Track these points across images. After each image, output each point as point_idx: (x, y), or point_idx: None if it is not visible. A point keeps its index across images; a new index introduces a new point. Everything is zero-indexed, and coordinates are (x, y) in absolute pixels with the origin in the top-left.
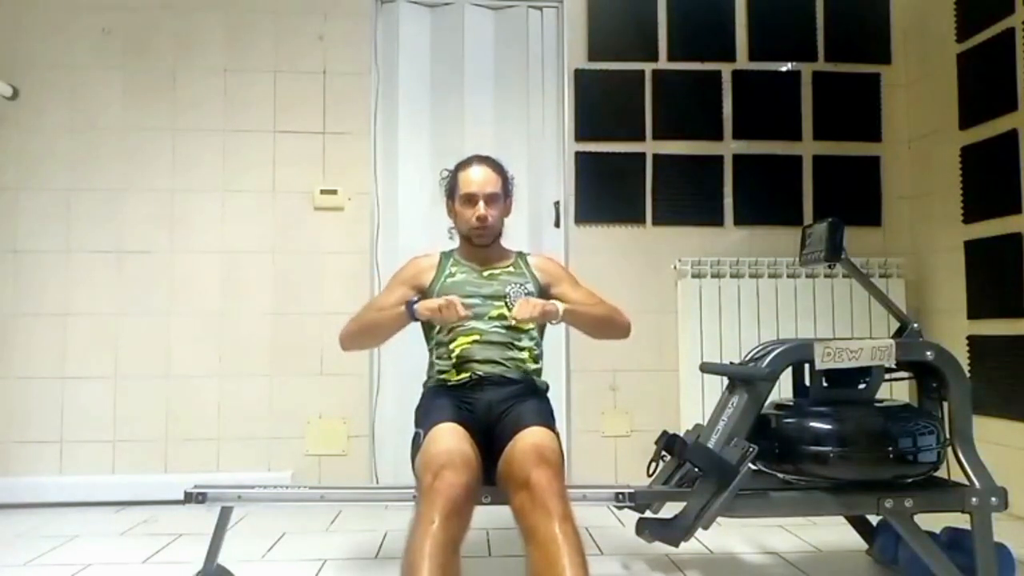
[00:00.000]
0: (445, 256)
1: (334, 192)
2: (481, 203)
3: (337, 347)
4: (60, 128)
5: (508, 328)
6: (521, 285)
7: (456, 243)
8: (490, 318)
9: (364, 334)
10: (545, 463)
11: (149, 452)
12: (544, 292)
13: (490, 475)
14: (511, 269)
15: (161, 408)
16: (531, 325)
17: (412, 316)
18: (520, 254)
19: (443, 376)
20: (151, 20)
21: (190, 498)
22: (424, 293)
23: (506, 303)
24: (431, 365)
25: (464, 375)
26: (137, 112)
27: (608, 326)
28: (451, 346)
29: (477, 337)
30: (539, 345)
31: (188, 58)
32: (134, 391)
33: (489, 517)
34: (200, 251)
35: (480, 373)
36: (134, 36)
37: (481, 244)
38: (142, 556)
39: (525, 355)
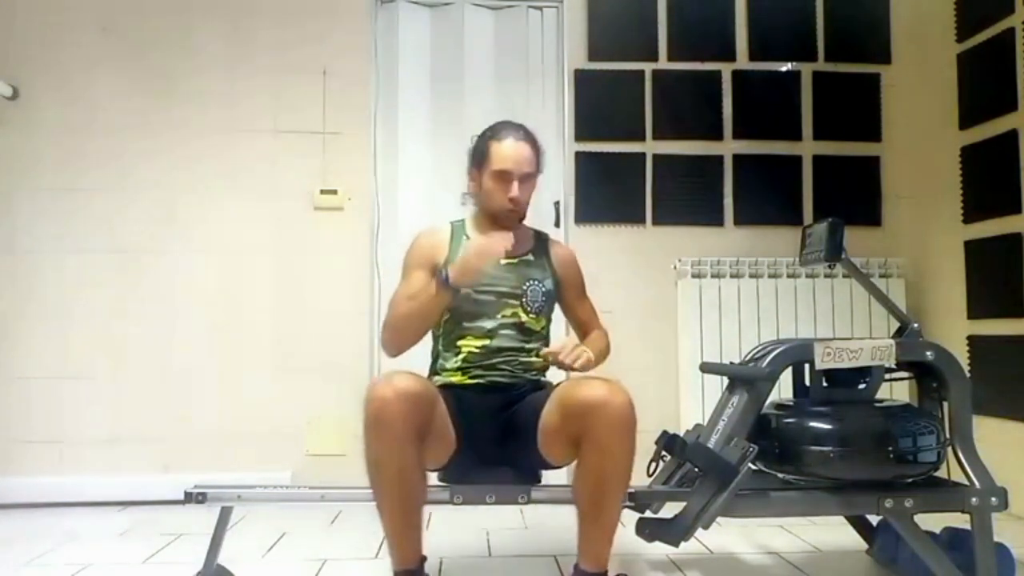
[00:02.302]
0: (457, 230)
1: (334, 192)
2: (515, 183)
3: (337, 347)
4: (60, 128)
5: (519, 329)
6: (539, 282)
7: (466, 213)
8: (502, 316)
9: (406, 329)
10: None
11: (149, 452)
12: (558, 288)
13: (504, 467)
14: (530, 258)
15: (161, 408)
16: (543, 323)
17: (453, 289)
18: (540, 237)
19: (449, 375)
20: (151, 20)
21: (190, 498)
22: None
23: (522, 303)
24: (436, 358)
25: (471, 380)
26: (137, 112)
27: (602, 359)
28: (459, 344)
29: (487, 341)
30: (547, 345)
31: (188, 58)
32: (134, 391)
33: (489, 517)
34: (200, 251)
35: (484, 382)
36: (134, 36)
37: (506, 226)
38: (142, 556)
39: (534, 357)
